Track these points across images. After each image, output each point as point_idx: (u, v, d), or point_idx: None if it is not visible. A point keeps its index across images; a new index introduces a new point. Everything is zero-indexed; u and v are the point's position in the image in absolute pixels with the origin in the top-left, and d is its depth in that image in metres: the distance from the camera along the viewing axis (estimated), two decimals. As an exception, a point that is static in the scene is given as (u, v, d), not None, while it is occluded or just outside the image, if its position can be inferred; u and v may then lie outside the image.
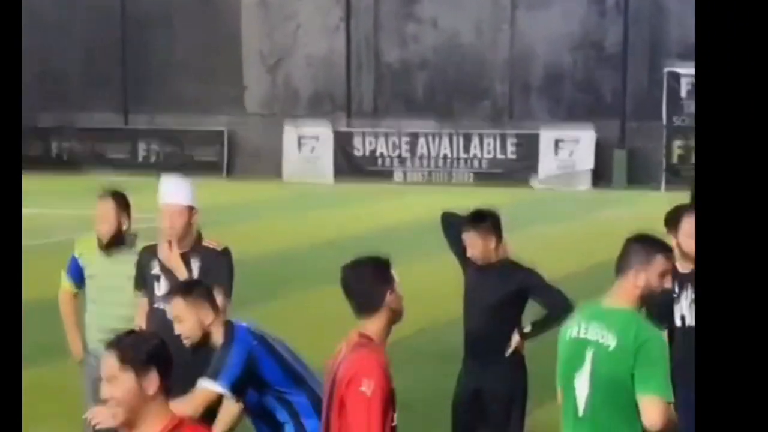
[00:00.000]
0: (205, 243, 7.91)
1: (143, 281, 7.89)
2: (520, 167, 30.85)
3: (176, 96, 33.55)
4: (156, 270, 7.85)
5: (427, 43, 32.62)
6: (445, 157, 31.76)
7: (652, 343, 5.84)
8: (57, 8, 33.94)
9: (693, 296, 7.47)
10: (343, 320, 5.93)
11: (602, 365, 5.85)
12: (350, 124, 32.97)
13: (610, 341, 5.84)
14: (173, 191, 7.93)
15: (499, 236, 8.16)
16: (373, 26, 33.11)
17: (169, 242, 7.81)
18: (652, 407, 5.67)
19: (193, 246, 7.84)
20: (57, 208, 21.69)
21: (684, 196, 8.46)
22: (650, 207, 7.80)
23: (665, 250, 6.16)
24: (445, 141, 31.79)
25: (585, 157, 30.68)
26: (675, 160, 29.93)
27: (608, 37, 31.41)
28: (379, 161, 32.25)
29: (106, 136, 33.98)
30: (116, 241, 8.49)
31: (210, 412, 6.50)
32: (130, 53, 34.22)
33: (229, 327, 6.59)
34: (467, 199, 9.40)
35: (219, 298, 7.63)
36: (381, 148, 32.32)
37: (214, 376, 6.37)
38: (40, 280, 10.29)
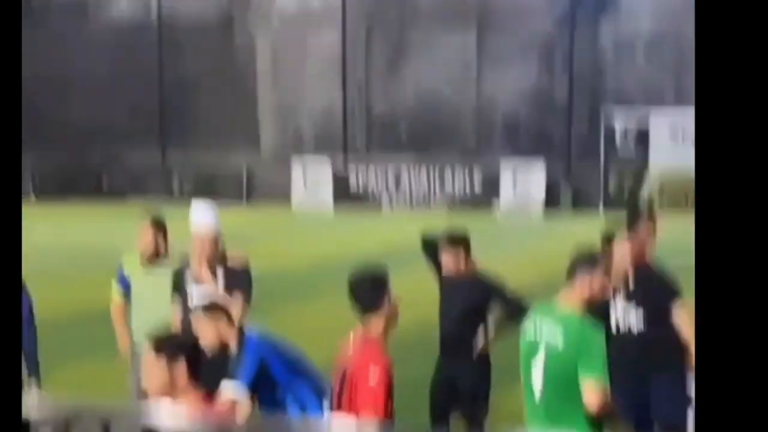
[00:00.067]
0: (229, 259, 7.90)
1: (178, 291, 7.87)
2: (485, 196, 30.85)
3: (205, 140, 33.56)
4: (189, 281, 7.83)
5: (408, 96, 32.68)
6: (423, 188, 31.82)
7: (591, 340, 5.90)
8: (107, 69, 33.90)
9: (624, 303, 7.48)
10: (342, 323, 5.94)
11: (552, 361, 5.91)
12: (346, 162, 32.94)
13: (559, 342, 5.90)
14: (202, 217, 7.93)
15: (468, 253, 8.16)
16: (365, 84, 33.16)
17: (200, 258, 7.82)
18: (591, 389, 5.73)
19: (219, 261, 7.84)
20: (106, 231, 21.58)
21: (618, 219, 8.43)
22: (591, 228, 7.78)
23: (604, 264, 6.20)
24: (424, 175, 31.83)
25: (537, 188, 30.74)
26: (611, 189, 30.04)
27: (556, 89, 31.50)
28: (370, 192, 32.24)
29: (147, 173, 33.94)
30: (155, 258, 8.52)
31: None
32: (167, 106, 34.26)
33: (243, 337, 6.55)
34: (442, 223, 9.36)
35: (239, 306, 7.63)
36: (371, 182, 32.33)
37: (234, 380, 6.38)
38: (95, 290, 10.20)
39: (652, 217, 8.16)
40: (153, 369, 4.87)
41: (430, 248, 8.38)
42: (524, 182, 30.87)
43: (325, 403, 6.10)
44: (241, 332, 6.61)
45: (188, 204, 8.27)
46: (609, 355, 5.95)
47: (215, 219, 7.93)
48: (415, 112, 32.66)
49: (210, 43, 33.90)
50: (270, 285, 10.82)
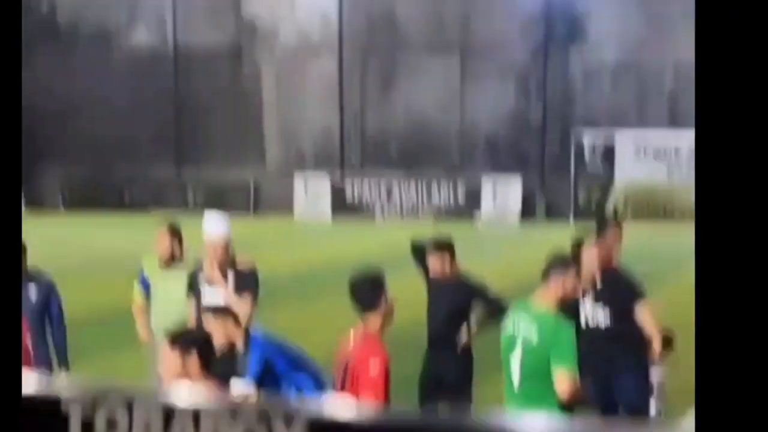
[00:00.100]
0: (238, 263, 7.93)
1: (193, 291, 7.90)
2: (468, 208, 30.86)
3: (216, 157, 33.56)
4: (202, 282, 7.86)
5: (399, 118, 32.68)
6: (412, 200, 31.83)
7: (563, 334, 5.95)
8: (128, 94, 33.87)
9: (592, 302, 7.52)
10: (340, 321, 5.97)
11: (528, 354, 5.96)
12: (343, 177, 32.93)
13: (534, 337, 5.94)
14: (214, 225, 7.97)
15: (453, 258, 8.19)
16: (359, 107, 33.18)
17: (212, 262, 7.84)
18: (563, 378, 5.78)
19: (229, 265, 7.86)
20: (128, 238, 21.56)
21: (587, 228, 8.48)
22: (562, 236, 7.83)
23: (575, 267, 6.25)
24: (413, 188, 31.84)
25: (514, 200, 30.76)
26: (580, 201, 30.07)
27: (531, 112, 31.53)
28: (365, 204, 32.21)
29: (165, 186, 33.92)
30: (171, 262, 8.54)
31: None
32: (182, 127, 34.25)
33: (249, 338, 6.54)
34: (429, 231, 9.40)
35: (248, 305, 7.65)
36: (366, 194, 32.31)
37: (242, 377, 6.39)
38: (119, 290, 10.21)
39: (617, 226, 8.24)
40: (169, 360, 4.95)
41: (419, 253, 8.42)
42: (503, 195, 30.89)
43: (326, 396, 6.13)
44: (247, 333, 6.62)
45: (201, 214, 8.31)
46: (579, 349, 6.00)
47: (226, 227, 7.98)
48: (404, 132, 32.67)
49: (220, 71, 33.91)
50: (275, 287, 10.84)
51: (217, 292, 7.74)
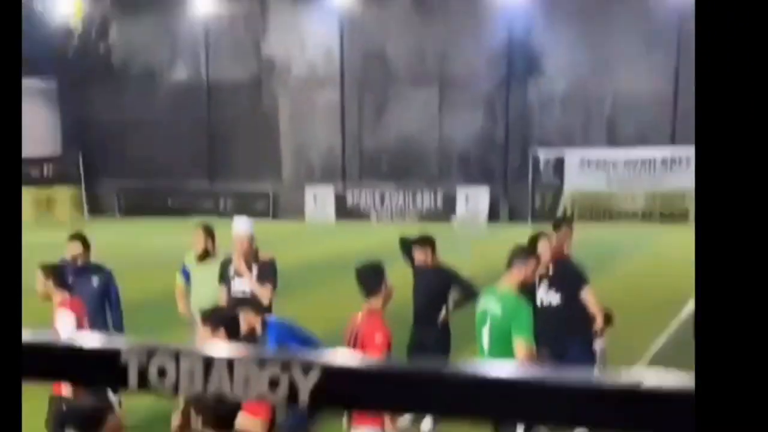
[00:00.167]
0: (261, 257, 7.93)
1: (224, 279, 7.90)
2: (445, 212, 30.89)
3: (242, 172, 33.57)
4: (232, 272, 7.86)
5: (389, 138, 32.71)
6: (400, 206, 31.87)
7: (522, 311, 5.96)
8: (170, 119, 33.88)
9: (547, 285, 7.52)
10: (344, 304, 6.01)
11: (494, 326, 5.97)
12: (344, 187, 32.96)
13: (499, 312, 5.95)
14: (241, 226, 7.97)
15: (434, 251, 8.21)
16: (357, 129, 33.22)
17: (239, 256, 7.84)
18: (521, 347, 5.80)
19: (253, 258, 7.86)
20: (171, 238, 21.57)
21: (542, 227, 8.49)
22: (522, 234, 7.89)
23: (534, 256, 6.27)
24: (401, 196, 31.88)
25: (483, 205, 30.81)
26: (537, 206, 30.14)
27: (496, 132, 31.56)
28: (362, 209, 32.24)
29: (201, 195, 33.93)
30: (206, 256, 8.54)
31: None
32: (214, 147, 34.28)
33: (265, 322, 6.46)
34: (414, 230, 9.42)
35: (268, 292, 7.64)
36: (363, 201, 32.35)
37: None
38: (164, 280, 10.22)
39: (568, 225, 8.26)
40: (203, 334, 4.98)
41: (406, 248, 8.43)
42: (473, 201, 30.95)
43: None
44: (264, 319, 6.61)
45: (230, 219, 8.32)
46: (536, 324, 6.02)
47: (250, 228, 7.99)
48: (394, 151, 32.69)
49: (244, 101, 33.89)
50: (290, 277, 10.85)
51: (243, 281, 7.74)
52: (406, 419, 6.84)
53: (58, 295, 6.62)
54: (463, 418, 0.69)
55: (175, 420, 4.84)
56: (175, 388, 0.76)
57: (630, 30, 28.83)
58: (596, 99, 30.13)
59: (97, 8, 35.26)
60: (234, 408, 4.09)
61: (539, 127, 31.07)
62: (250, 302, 6.80)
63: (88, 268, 8.10)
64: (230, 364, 0.73)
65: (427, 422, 7.99)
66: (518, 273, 6.03)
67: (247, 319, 6.51)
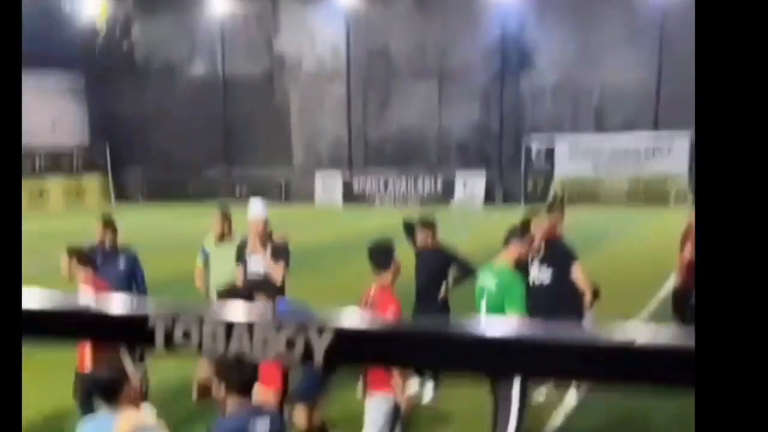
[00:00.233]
0: (275, 238, 7.92)
1: (240, 258, 7.90)
2: (445, 196, 30.90)
3: (256, 160, 33.58)
4: (248, 252, 7.86)
5: (392, 128, 32.68)
6: (403, 191, 31.85)
7: (515, 286, 5.95)
8: (189, 111, 33.86)
9: (539, 263, 7.51)
10: (351, 281, 6.03)
11: (490, 300, 5.96)
12: (351, 174, 32.96)
13: (494, 287, 5.94)
14: (256, 209, 7.95)
15: (434, 233, 8.19)
16: (363, 120, 33.18)
17: (255, 237, 7.84)
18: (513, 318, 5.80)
19: (267, 239, 7.86)
20: (192, 221, 21.62)
21: (534, 209, 8.47)
22: (515, 216, 7.88)
23: (529, 235, 6.27)
24: (403, 182, 31.85)
25: (479, 190, 30.79)
26: (529, 190, 30.11)
27: (492, 122, 31.50)
28: (367, 194, 32.24)
29: (218, 182, 33.95)
30: (223, 237, 8.54)
31: None
32: (231, 137, 34.28)
33: (276, 304, 6.38)
34: (416, 213, 9.41)
35: (281, 270, 7.63)
36: (368, 187, 32.34)
37: None
38: (186, 260, 10.23)
39: (560, 207, 8.23)
40: None
41: (409, 230, 8.41)
42: (471, 186, 30.93)
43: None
44: (275, 302, 6.60)
45: (246, 204, 8.30)
46: (528, 299, 6.01)
47: (265, 211, 7.96)
48: (396, 140, 32.66)
49: (258, 93, 33.85)
50: (302, 257, 10.87)
51: (258, 260, 7.73)
52: (413, 387, 6.86)
53: (82, 274, 6.64)
54: (465, 373, 0.69)
55: (196, 390, 4.88)
56: (199, 350, 0.76)
57: (615, 25, 28.72)
58: (584, 90, 30.03)
59: (120, 9, 35.19)
60: (253, 375, 4.11)
61: (531, 117, 30.98)
62: (264, 285, 6.80)
63: (115, 251, 8.13)
64: (250, 327, 0.73)
65: (428, 390, 8.01)
66: (514, 250, 6.03)
67: (259, 301, 6.51)
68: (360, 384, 6.00)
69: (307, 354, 0.70)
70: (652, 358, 0.60)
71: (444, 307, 8.09)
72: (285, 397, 5.93)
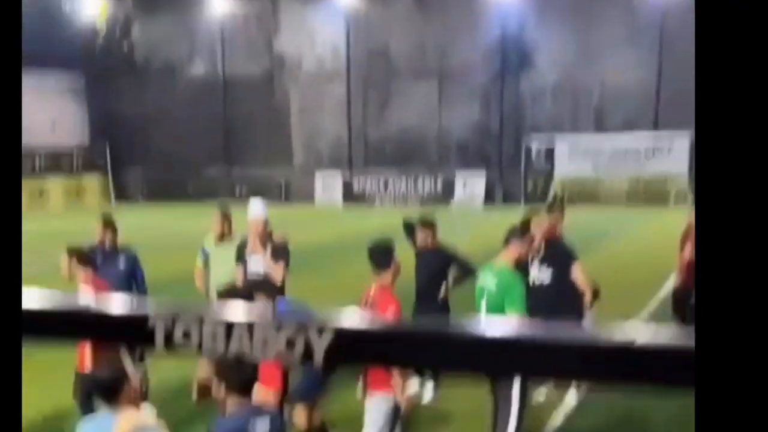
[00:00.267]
0: (275, 238, 7.91)
1: (240, 258, 7.89)
2: (445, 195, 30.89)
3: (256, 160, 33.57)
4: (248, 252, 7.84)
5: (392, 128, 32.67)
6: (403, 190, 31.83)
7: (515, 286, 5.94)
8: (189, 111, 33.86)
9: (539, 263, 7.50)
10: (351, 280, 6.02)
11: (490, 300, 5.95)
12: (351, 174, 32.94)
13: (494, 287, 5.94)
14: (256, 208, 7.93)
15: (434, 233, 8.18)
16: (363, 120, 33.17)
17: (255, 237, 7.83)
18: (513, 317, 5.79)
19: (267, 239, 7.85)
20: (192, 222, 21.61)
21: (534, 209, 8.47)
22: (515, 216, 7.85)
23: (529, 235, 6.26)
24: (403, 182, 31.83)
25: (479, 190, 30.78)
26: (529, 190, 30.09)
27: (491, 122, 31.48)
28: (367, 194, 32.23)
29: (218, 182, 33.94)
30: (223, 237, 8.53)
31: None
32: (231, 137, 34.28)
33: (277, 304, 6.37)
34: (416, 213, 9.40)
35: (281, 270, 7.62)
36: (368, 187, 32.33)
37: None
38: (186, 261, 10.21)
39: (560, 207, 8.21)
40: None
41: (409, 229, 8.39)
42: (471, 186, 30.92)
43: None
44: (275, 302, 6.58)
45: (246, 204, 8.29)
46: (528, 300, 6.00)
47: (265, 211, 7.94)
48: (396, 140, 32.65)
49: (258, 93, 33.85)
50: (301, 257, 10.87)
51: (258, 260, 7.71)
52: (413, 387, 6.85)
53: (82, 274, 6.64)
54: (465, 373, 0.69)
55: (196, 391, 4.88)
56: (199, 350, 0.76)
57: (615, 25, 28.72)
58: (584, 90, 30.03)
59: (120, 9, 35.19)
60: (253, 375, 4.11)
61: (531, 116, 30.98)
62: (264, 285, 6.79)
63: (115, 251, 8.13)
64: (250, 327, 0.73)
65: (428, 390, 8.01)
66: (514, 250, 6.02)
67: (259, 301, 6.49)
68: (360, 384, 5.99)
69: (307, 354, 0.70)
70: (652, 358, 0.60)
71: (444, 307, 8.08)
72: (285, 397, 5.92)
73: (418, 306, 8.13)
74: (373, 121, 33.09)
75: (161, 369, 7.79)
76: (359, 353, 0.68)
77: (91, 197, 33.84)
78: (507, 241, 6.04)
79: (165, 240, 19.62)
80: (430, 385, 8.06)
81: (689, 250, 8.62)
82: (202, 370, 4.85)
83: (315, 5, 32.65)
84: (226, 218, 8.60)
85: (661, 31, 27.92)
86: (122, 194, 34.74)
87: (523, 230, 6.36)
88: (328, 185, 32.61)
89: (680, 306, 8.79)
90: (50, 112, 33.43)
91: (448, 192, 30.95)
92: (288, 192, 33.04)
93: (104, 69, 34.58)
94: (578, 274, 7.44)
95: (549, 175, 29.94)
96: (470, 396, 7.49)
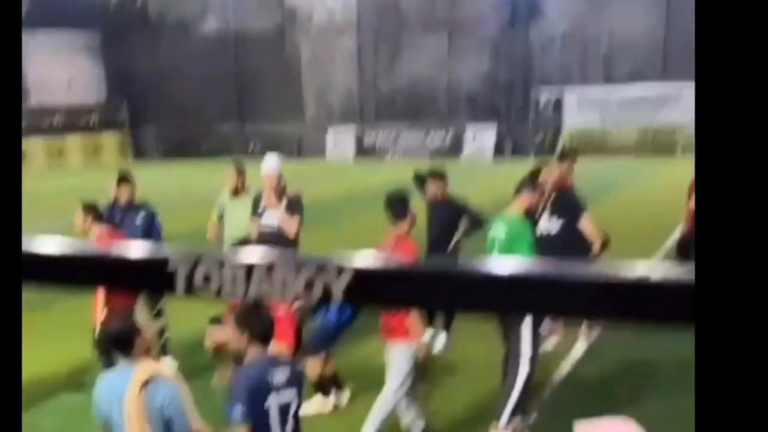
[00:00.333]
0: (288, 191, 7.91)
1: (256, 211, 7.91)
2: (454, 148, 30.75)
3: (269, 116, 33.47)
4: (263, 205, 7.86)
5: (403, 81, 32.40)
6: (413, 143, 31.68)
7: (524, 233, 5.96)
8: (201, 67, 33.67)
9: (548, 214, 7.48)
10: (362, 232, 6.03)
11: (500, 247, 5.97)
12: (362, 128, 32.81)
13: (503, 235, 5.95)
14: (271, 163, 7.92)
15: (445, 184, 8.17)
16: (373, 73, 32.89)
17: (269, 190, 7.83)
18: None
19: (282, 193, 7.85)
20: (207, 177, 21.65)
21: (543, 161, 8.41)
22: (524, 168, 7.81)
23: (539, 186, 6.25)
24: (414, 135, 31.68)
25: (489, 142, 30.60)
26: (538, 142, 29.89)
27: (501, 74, 31.15)
28: (378, 148, 32.13)
29: (232, 138, 33.91)
30: (238, 192, 8.54)
31: None
32: (243, 93, 34.11)
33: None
34: (426, 166, 9.38)
35: (296, 223, 7.64)
36: (379, 140, 32.20)
37: None
38: (201, 215, 10.24)
39: (571, 157, 8.14)
40: None
41: (420, 182, 8.38)
42: (480, 138, 30.73)
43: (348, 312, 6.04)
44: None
45: (260, 159, 8.27)
46: (537, 250, 6.01)
47: (279, 165, 7.92)
48: (406, 92, 32.39)
49: (269, 48, 33.59)
50: (314, 210, 10.89)
51: (273, 214, 7.73)
52: (427, 335, 6.91)
53: (96, 230, 6.67)
54: (483, 312, 0.69)
55: (212, 351, 4.94)
56: (219, 293, 0.76)
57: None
58: (593, 39, 29.61)
59: (131, -34, 34.85)
60: (272, 326, 4.15)
61: (540, 67, 30.60)
62: (278, 238, 6.81)
63: (133, 207, 8.16)
64: (269, 269, 0.73)
65: (440, 340, 8.08)
66: (524, 200, 6.01)
67: None
68: (378, 334, 6.02)
69: (326, 295, 0.70)
70: (666, 295, 0.59)
71: (454, 255, 8.11)
72: (298, 351, 5.98)
73: (429, 257, 8.16)
74: (384, 74, 32.82)
75: (181, 323, 7.89)
76: (378, 293, 0.69)
77: (109, 154, 33.91)
78: (519, 190, 6.04)
79: (181, 197, 19.69)
80: (442, 335, 8.12)
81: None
82: (215, 333, 4.89)
83: (324, -41, 32.19)
84: (240, 173, 8.61)
85: (671, -20, 27.40)
86: (139, 152, 34.81)
87: (533, 180, 6.34)
88: (340, 140, 32.53)
89: (685, 255, 8.78)
90: (66, 71, 33.34)
91: (458, 145, 30.80)
92: (300, 147, 32.99)
93: (119, 26, 34.37)
94: (587, 225, 7.43)
95: (558, 127, 29.71)
96: (481, 347, 7.55)
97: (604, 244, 7.67)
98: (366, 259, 0.69)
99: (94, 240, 6.60)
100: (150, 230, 8.16)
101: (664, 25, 28.10)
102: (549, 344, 7.71)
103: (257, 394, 3.90)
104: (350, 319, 5.96)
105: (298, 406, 4.10)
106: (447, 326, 8.22)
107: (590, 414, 4.98)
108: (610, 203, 16.46)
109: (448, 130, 31.16)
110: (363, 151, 31.89)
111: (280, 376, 3.99)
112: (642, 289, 0.60)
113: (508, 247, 5.88)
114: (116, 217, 8.07)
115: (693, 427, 0.77)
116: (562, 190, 7.58)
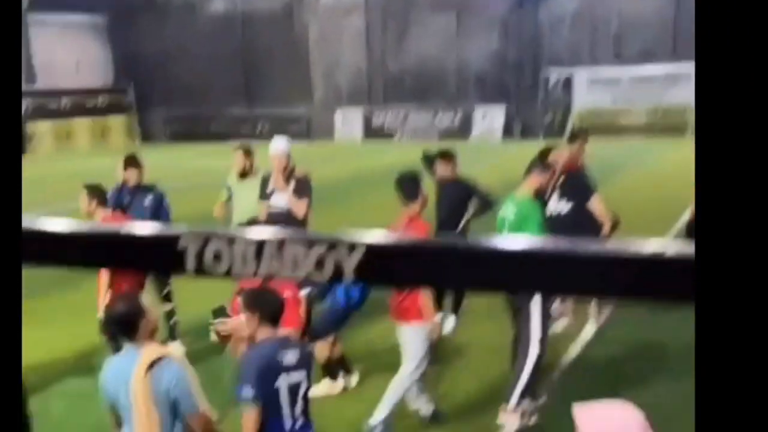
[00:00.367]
0: (297, 173, 7.90)
1: (264, 193, 7.90)
2: (463, 129, 30.66)
3: (277, 97, 33.39)
4: (271, 187, 7.85)
5: (411, 61, 32.25)
6: (422, 124, 31.58)
7: (533, 213, 5.96)
8: (209, 48, 33.56)
9: (558, 195, 7.46)
10: (371, 213, 6.02)
11: (510, 227, 5.97)
12: (371, 108, 32.72)
13: (513, 215, 5.95)
14: (279, 144, 7.90)
15: (454, 165, 8.15)
16: (382, 53, 32.74)
17: (278, 172, 7.82)
18: None
19: (290, 174, 7.84)
20: (215, 159, 21.66)
21: (553, 142, 8.39)
22: (534, 149, 7.77)
23: (549, 167, 6.23)
24: (422, 115, 31.58)
25: (498, 123, 30.48)
26: (546, 122, 29.76)
27: (510, 54, 30.96)
28: (386, 128, 32.05)
29: (240, 120, 33.89)
30: (245, 174, 8.53)
31: None
32: (251, 74, 34.03)
33: None
34: (435, 147, 9.35)
35: (305, 205, 7.64)
36: (387, 121, 32.12)
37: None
38: (209, 198, 10.25)
39: (582, 138, 8.11)
40: None
41: (429, 162, 8.36)
42: (489, 119, 30.62)
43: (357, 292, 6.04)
44: None
45: (268, 141, 8.25)
46: (547, 231, 6.00)
47: (287, 146, 7.90)
48: (416, 72, 32.25)
49: (277, 28, 33.46)
50: (323, 191, 10.87)
51: (281, 196, 7.72)
52: (438, 317, 6.92)
53: (101, 213, 6.67)
54: (491, 288, 0.69)
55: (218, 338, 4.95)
56: (229, 272, 0.76)
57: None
58: (603, 19, 29.37)
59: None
60: (281, 307, 4.16)
61: (550, 46, 30.39)
62: (286, 220, 6.81)
63: (141, 189, 8.17)
64: (280, 246, 0.73)
65: (450, 322, 8.09)
66: (535, 180, 6.00)
67: None
68: (389, 316, 6.02)
69: (337, 273, 0.70)
70: (680, 270, 0.59)
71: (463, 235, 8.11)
72: (305, 334, 6.00)
73: (439, 236, 8.15)
74: (392, 54, 32.66)
75: (189, 306, 7.92)
76: (390, 271, 0.68)
77: (117, 137, 33.95)
78: (529, 170, 6.03)
79: (188, 179, 19.71)
80: (451, 318, 8.13)
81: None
82: (223, 326, 4.90)
83: (331, -62, 31.98)
84: (248, 155, 8.58)
85: (683, -42, 27.13)
86: (147, 135, 34.82)
87: (543, 160, 6.32)
88: (348, 120, 32.46)
89: (693, 235, 8.75)
90: (74, 53, 33.31)
91: (466, 125, 30.69)
92: (309, 128, 32.95)
93: (126, 8, 34.28)
94: (597, 206, 7.41)
95: (567, 107, 29.56)
96: (490, 329, 7.57)
97: (614, 226, 7.65)
98: (377, 236, 0.68)
99: (101, 221, 6.60)
100: (158, 212, 8.17)
101: (674, 4, 27.86)
102: (558, 327, 7.72)
103: (267, 374, 3.92)
104: (359, 303, 5.97)
105: (308, 388, 4.11)
106: (456, 309, 8.22)
107: (599, 396, 4.99)
108: (620, 184, 16.40)
109: (457, 111, 31.06)
110: (371, 131, 31.83)
111: (290, 357, 4.01)
112: (654, 264, 0.59)
113: (518, 228, 5.88)
114: (125, 199, 8.07)
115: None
116: (572, 171, 7.56)
